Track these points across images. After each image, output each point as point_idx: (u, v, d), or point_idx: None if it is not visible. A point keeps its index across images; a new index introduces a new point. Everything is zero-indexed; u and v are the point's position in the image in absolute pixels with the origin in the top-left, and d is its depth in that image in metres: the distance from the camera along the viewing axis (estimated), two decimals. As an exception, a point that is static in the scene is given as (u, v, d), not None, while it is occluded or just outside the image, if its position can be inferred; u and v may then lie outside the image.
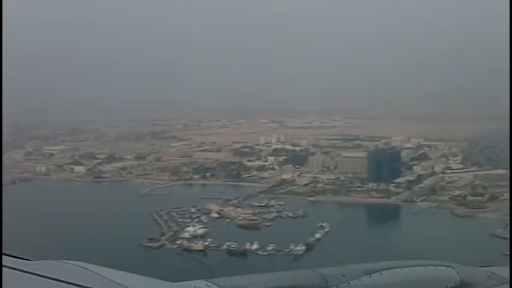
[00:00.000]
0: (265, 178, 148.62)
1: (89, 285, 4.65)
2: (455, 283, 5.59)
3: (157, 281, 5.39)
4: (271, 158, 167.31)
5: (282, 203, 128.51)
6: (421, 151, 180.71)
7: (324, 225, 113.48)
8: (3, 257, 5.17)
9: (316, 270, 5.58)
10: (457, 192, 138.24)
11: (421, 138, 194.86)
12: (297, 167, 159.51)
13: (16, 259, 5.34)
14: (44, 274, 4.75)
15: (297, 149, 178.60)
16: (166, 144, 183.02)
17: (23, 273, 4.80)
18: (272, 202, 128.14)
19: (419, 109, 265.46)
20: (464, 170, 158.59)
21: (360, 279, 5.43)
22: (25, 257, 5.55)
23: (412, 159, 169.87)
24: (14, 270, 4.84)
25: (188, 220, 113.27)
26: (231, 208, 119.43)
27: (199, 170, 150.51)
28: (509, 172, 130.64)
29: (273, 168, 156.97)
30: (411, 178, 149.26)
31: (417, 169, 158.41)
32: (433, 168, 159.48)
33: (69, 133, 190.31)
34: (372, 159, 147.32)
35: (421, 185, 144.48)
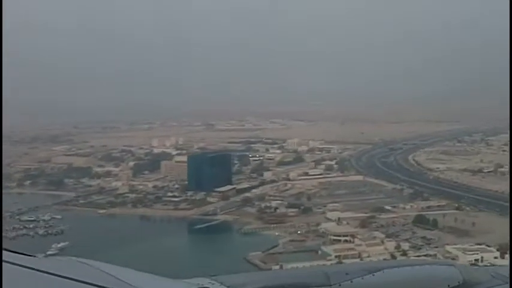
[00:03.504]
0: (90, 186, 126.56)
1: (94, 283, 4.22)
2: (458, 282, 4.98)
3: (162, 279, 4.94)
4: (131, 164, 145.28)
5: (59, 217, 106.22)
6: (307, 154, 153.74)
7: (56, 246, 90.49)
8: (9, 253, 4.64)
9: (319, 269, 5.11)
10: (273, 203, 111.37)
11: (322, 141, 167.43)
12: (144, 173, 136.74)
13: (21, 255, 4.74)
14: (48, 271, 4.33)
15: (173, 153, 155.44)
16: (47, 148, 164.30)
17: (27, 269, 4.36)
18: (46, 216, 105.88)
19: (370, 112, 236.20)
20: (320, 176, 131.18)
21: (362, 278, 4.84)
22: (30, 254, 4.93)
23: (280, 163, 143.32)
24: (19, 267, 4.38)
25: None
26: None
27: (24, 178, 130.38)
28: (509, 172, 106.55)
29: (116, 175, 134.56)
30: (245, 186, 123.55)
31: (267, 175, 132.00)
32: (287, 174, 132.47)
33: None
34: (196, 165, 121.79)
35: (247, 194, 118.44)
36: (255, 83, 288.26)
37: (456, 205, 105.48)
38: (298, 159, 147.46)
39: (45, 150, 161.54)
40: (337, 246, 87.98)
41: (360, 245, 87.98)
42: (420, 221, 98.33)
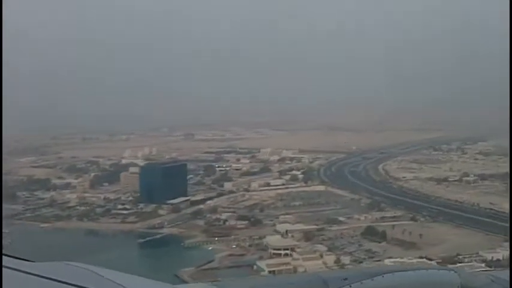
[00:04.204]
0: (42, 199, 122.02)
1: (90, 287, 4.24)
2: (458, 287, 4.93)
3: (160, 284, 5.05)
4: (92, 175, 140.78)
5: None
6: (276, 164, 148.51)
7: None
8: (6, 258, 4.63)
9: (318, 274, 5.02)
10: (224, 216, 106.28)
11: (295, 150, 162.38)
12: (104, 185, 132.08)
13: (19, 260, 4.73)
14: (47, 276, 4.32)
15: (141, 164, 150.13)
16: (13, 160, 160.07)
17: (25, 274, 4.35)
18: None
19: (359, 121, 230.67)
20: (282, 186, 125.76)
21: (361, 283, 4.77)
22: (28, 259, 4.92)
23: (245, 173, 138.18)
24: (16, 272, 4.37)
25: None
26: None
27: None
28: (509, 173, 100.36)
29: (74, 187, 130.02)
30: (201, 197, 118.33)
31: (228, 185, 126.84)
32: (249, 184, 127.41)
33: None
34: (148, 176, 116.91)
35: (201, 206, 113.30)
36: (245, 92, 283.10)
37: (411, 216, 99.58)
38: (265, 169, 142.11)
39: (12, 162, 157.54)
40: (272, 261, 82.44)
41: (297, 259, 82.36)
42: (369, 233, 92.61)
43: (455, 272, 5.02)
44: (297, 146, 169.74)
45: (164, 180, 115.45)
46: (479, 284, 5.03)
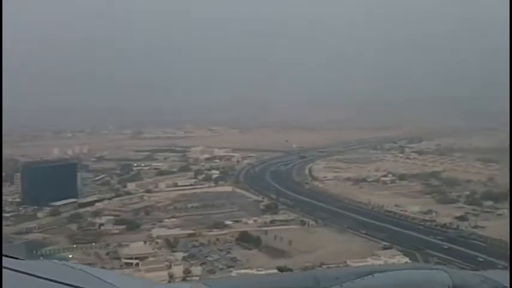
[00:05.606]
0: None
1: (79, 285, 4.05)
2: (448, 287, 4.84)
3: (150, 283, 4.90)
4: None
5: None
6: (202, 163, 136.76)
7: None
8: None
9: (309, 273, 4.97)
10: (103, 219, 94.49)
11: (228, 148, 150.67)
12: (4, 185, 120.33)
13: (6, 258, 4.44)
14: (33, 273, 4.12)
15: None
16: None
17: (12, 271, 4.10)
18: None
19: (316, 119, 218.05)
20: (189, 187, 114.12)
21: (352, 282, 4.67)
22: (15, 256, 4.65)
23: (162, 172, 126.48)
24: (4, 269, 4.12)
25: None
26: None
27: None
28: (509, 172, 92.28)
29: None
30: (92, 199, 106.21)
31: (131, 186, 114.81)
32: (156, 184, 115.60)
33: None
34: (31, 176, 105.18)
35: (88, 208, 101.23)
36: (212, 90, 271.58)
37: (302, 219, 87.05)
38: (185, 168, 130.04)
39: None
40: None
41: (139, 270, 70.06)
42: (244, 238, 80.00)
43: (445, 271, 4.82)
44: (237, 143, 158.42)
45: (50, 181, 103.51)
46: (470, 284, 4.85)
